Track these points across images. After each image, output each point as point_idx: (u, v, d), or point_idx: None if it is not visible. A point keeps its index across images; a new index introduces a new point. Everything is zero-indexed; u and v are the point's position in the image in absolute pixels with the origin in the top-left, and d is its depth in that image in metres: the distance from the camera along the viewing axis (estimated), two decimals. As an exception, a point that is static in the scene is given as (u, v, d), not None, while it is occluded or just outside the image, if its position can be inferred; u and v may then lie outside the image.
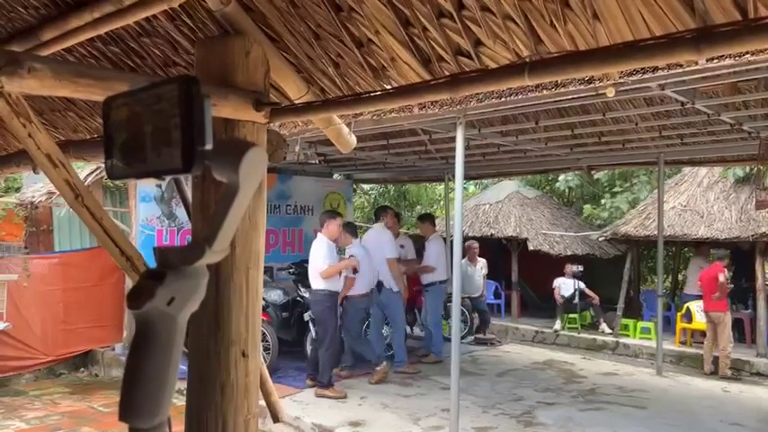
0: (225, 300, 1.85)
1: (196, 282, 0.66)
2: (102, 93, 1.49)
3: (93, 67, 2.41)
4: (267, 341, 6.93)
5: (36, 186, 8.43)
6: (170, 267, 0.65)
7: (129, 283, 6.53)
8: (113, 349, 8.03)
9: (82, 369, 8.04)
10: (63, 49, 2.33)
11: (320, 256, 6.48)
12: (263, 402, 2.61)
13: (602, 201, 12.04)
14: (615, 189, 12.22)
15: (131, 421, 0.63)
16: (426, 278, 8.04)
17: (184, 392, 1.88)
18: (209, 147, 0.61)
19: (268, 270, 8.26)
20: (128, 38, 2.30)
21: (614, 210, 11.44)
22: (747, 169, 9.03)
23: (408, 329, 8.44)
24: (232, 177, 0.64)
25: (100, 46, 2.40)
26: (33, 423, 5.97)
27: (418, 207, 16.48)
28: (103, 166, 0.71)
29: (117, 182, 8.26)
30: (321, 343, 6.46)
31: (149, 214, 7.70)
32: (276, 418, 2.79)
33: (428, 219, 8.51)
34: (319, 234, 6.73)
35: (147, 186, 7.52)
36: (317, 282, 6.49)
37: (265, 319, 6.84)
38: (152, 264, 0.69)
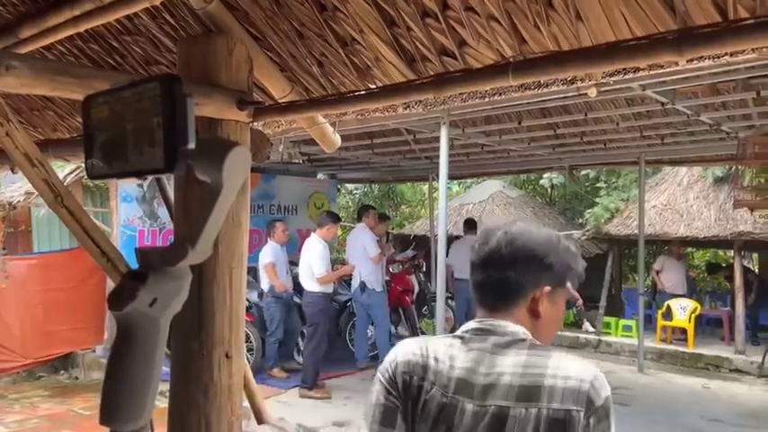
0: (208, 301, 1.84)
1: (179, 283, 0.66)
2: (81, 91, 1.47)
3: (73, 65, 2.38)
4: (251, 342, 6.88)
5: (14, 186, 8.28)
6: (152, 268, 0.64)
7: (110, 285, 6.45)
8: (94, 351, 7.91)
9: (62, 372, 7.91)
10: (42, 47, 2.29)
11: (317, 258, 6.44)
12: (247, 404, 2.60)
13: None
14: (599, 185, 12.24)
15: (113, 425, 0.63)
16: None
17: (167, 395, 1.86)
18: (191, 146, 0.61)
19: (251, 270, 8.20)
20: (108, 36, 2.27)
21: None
22: (726, 169, 9.17)
23: (393, 329, 8.44)
24: (215, 177, 0.63)
25: (80, 44, 2.37)
26: (12, 426, 5.87)
27: (403, 207, 16.51)
28: (83, 165, 0.70)
29: (97, 182, 8.16)
30: (309, 343, 6.44)
31: (131, 214, 7.60)
32: (260, 420, 2.78)
33: (465, 223, 9.30)
34: (314, 234, 6.69)
35: (129, 186, 7.43)
36: (310, 284, 6.47)
37: (249, 319, 6.79)
38: (134, 265, 0.68)
